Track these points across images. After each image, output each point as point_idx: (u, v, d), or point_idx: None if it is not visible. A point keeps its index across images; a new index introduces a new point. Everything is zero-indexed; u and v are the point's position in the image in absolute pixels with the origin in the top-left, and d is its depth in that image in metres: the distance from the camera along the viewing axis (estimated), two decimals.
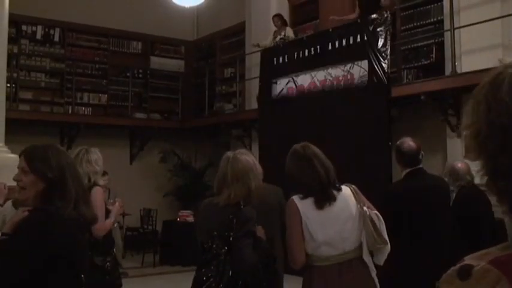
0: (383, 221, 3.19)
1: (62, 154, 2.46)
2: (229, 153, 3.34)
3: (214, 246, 3.12)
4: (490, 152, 0.86)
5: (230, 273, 3.07)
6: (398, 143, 4.30)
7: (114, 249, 4.26)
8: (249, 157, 3.32)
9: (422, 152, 4.21)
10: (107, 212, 4.14)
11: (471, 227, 4.82)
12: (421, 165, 4.19)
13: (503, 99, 0.85)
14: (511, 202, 0.87)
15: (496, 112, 0.85)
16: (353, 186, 3.31)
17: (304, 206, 3.12)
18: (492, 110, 0.86)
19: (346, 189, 3.22)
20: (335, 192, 3.17)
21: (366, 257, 3.16)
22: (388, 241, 3.17)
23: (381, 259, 3.23)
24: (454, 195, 5.09)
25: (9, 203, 3.34)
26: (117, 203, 4.35)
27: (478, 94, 0.90)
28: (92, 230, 3.56)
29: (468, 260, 0.85)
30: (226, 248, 3.11)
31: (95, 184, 3.96)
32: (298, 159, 3.22)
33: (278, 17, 9.91)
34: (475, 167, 5.55)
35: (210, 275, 3.08)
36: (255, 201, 3.25)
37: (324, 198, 3.13)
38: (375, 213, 3.19)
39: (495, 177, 0.87)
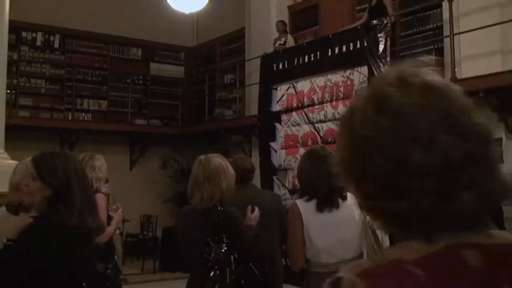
0: None
1: (70, 162, 2.48)
2: (202, 156, 3.36)
3: (212, 252, 3.12)
4: (355, 177, 0.93)
5: (231, 275, 3.08)
6: None
7: (115, 256, 4.26)
8: (221, 160, 3.34)
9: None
10: (109, 219, 4.16)
11: None
12: None
13: (358, 131, 0.91)
14: (381, 219, 0.93)
15: (356, 143, 0.91)
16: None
17: (306, 210, 3.12)
18: (352, 140, 0.92)
19: (351, 198, 3.21)
20: (340, 200, 3.16)
21: None
22: None
23: None
24: None
25: (3, 208, 3.35)
26: (119, 210, 4.36)
27: (340, 124, 0.97)
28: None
29: (341, 272, 0.88)
30: (223, 250, 3.11)
31: (97, 191, 3.96)
32: (314, 159, 3.22)
33: (282, 22, 9.96)
34: None
35: (218, 278, 3.08)
36: (229, 203, 3.27)
37: (326, 202, 3.12)
38: None
39: (363, 198, 0.93)
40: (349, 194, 3.22)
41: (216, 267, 3.09)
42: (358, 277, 0.84)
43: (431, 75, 0.93)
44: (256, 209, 3.60)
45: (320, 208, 3.11)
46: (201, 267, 3.14)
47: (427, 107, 0.88)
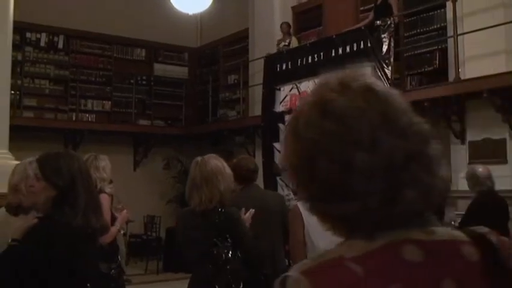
0: None
1: (75, 162, 2.48)
2: (198, 158, 3.36)
3: (221, 251, 3.12)
4: (302, 181, 0.95)
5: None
6: None
7: (119, 257, 4.27)
8: (218, 161, 3.33)
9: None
10: (113, 219, 4.16)
11: None
12: None
13: (303, 135, 0.93)
14: (329, 221, 0.96)
15: (301, 147, 0.93)
16: None
17: (307, 211, 3.12)
18: (298, 144, 0.94)
19: None
20: None
21: None
22: None
23: None
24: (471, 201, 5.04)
25: (2, 209, 3.36)
26: (124, 211, 4.37)
27: (286, 129, 0.99)
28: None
29: (290, 270, 0.90)
30: (229, 251, 3.11)
31: (101, 191, 3.97)
32: None
33: (286, 24, 9.96)
34: (496, 172, 5.56)
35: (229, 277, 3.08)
36: (229, 203, 3.27)
37: None
38: None
39: (312, 201, 0.96)
40: None
41: (227, 266, 3.09)
42: (302, 275, 0.87)
43: (371, 79, 0.96)
44: (251, 210, 3.60)
45: None
46: (206, 267, 3.13)
47: (368, 110, 0.90)
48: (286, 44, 9.72)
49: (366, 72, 0.97)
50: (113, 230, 4.18)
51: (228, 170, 3.35)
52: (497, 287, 0.91)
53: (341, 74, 0.97)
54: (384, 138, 0.89)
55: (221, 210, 3.19)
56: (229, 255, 3.11)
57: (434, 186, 0.92)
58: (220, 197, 3.21)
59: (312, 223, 3.11)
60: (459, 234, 0.97)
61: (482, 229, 0.99)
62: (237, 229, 3.22)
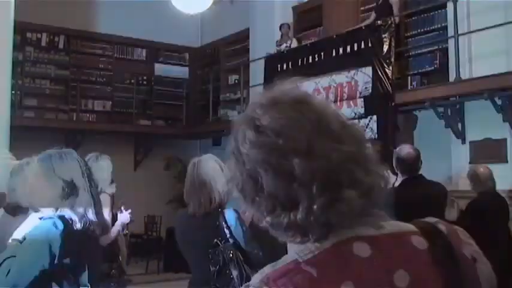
0: None
1: (76, 162, 2.48)
2: (195, 159, 3.34)
3: (223, 252, 3.11)
4: (250, 199, 0.97)
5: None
6: (397, 149, 4.28)
7: (120, 257, 4.27)
8: (215, 161, 3.31)
9: (422, 160, 4.16)
10: (113, 220, 4.16)
11: (482, 239, 4.78)
12: (420, 173, 4.15)
13: (244, 153, 0.96)
14: (281, 231, 0.97)
15: (244, 165, 0.96)
16: None
17: None
18: (240, 164, 0.97)
19: None
20: None
21: None
22: None
23: None
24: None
25: (1, 210, 3.36)
26: (127, 212, 4.37)
27: (230, 153, 1.02)
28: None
29: (252, 279, 0.94)
30: (231, 252, 3.11)
31: (101, 191, 3.97)
32: None
33: (287, 25, 9.97)
34: (497, 172, 5.56)
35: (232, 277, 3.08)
36: (228, 204, 3.25)
37: None
38: None
39: (262, 215, 0.98)
40: None
41: (229, 267, 3.09)
42: (261, 282, 0.91)
43: (302, 91, 1.00)
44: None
45: None
46: (207, 268, 3.12)
47: (300, 118, 0.94)
48: (288, 45, 9.72)
49: (298, 86, 0.99)
50: (114, 230, 4.18)
51: (226, 171, 3.34)
52: (448, 273, 0.94)
53: (271, 90, 1.01)
54: (318, 143, 0.92)
55: (220, 210, 3.19)
56: (231, 256, 3.10)
57: (374, 184, 0.95)
58: (219, 199, 3.19)
59: None
60: (408, 226, 1.00)
61: (431, 219, 1.03)
62: (237, 230, 3.21)
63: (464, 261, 0.96)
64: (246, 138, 0.96)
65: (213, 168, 3.23)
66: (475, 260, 0.98)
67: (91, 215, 2.41)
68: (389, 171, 3.98)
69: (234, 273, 3.09)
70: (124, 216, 4.36)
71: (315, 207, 0.91)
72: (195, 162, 3.29)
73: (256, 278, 0.93)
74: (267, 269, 0.94)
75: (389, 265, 0.92)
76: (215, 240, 3.13)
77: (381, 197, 0.98)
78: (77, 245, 2.36)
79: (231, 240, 3.15)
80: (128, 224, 4.46)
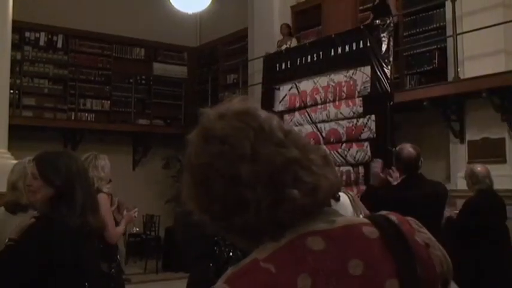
0: None
1: (73, 162, 2.48)
2: None
3: (224, 250, 3.11)
4: (203, 206, 1.04)
5: None
6: (397, 148, 4.28)
7: (118, 256, 4.27)
8: None
9: (422, 159, 4.16)
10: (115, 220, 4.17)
11: (480, 237, 4.77)
12: (419, 172, 4.15)
13: (195, 163, 1.04)
14: (235, 236, 1.05)
15: (195, 174, 1.04)
16: (350, 193, 3.30)
17: None
18: (192, 174, 1.04)
19: (344, 197, 3.20)
20: (332, 201, 3.14)
21: None
22: None
23: None
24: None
25: (2, 208, 3.37)
26: (132, 211, 4.37)
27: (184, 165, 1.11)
28: (105, 236, 3.63)
29: (218, 281, 0.98)
30: (231, 250, 3.11)
31: (99, 190, 3.96)
32: None
33: (286, 25, 9.96)
34: (495, 171, 5.57)
35: None
36: None
37: None
38: None
39: (216, 221, 1.04)
40: (342, 194, 3.21)
41: (228, 265, 3.09)
42: (224, 283, 0.95)
43: (241, 103, 1.08)
44: None
45: None
46: (207, 266, 3.12)
47: (245, 127, 1.01)
48: (288, 45, 9.71)
49: (243, 98, 1.06)
50: (119, 230, 4.19)
51: None
52: (400, 258, 0.98)
53: (218, 105, 1.10)
54: (262, 148, 0.99)
55: None
56: (231, 254, 3.10)
57: (319, 184, 1.00)
58: None
59: None
60: (360, 219, 1.08)
61: (383, 212, 1.08)
62: None
63: (416, 247, 1.00)
64: (196, 148, 1.05)
65: None
66: (428, 246, 1.02)
67: (87, 214, 2.41)
68: (393, 167, 3.96)
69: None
70: (129, 216, 4.37)
71: (262, 207, 0.97)
72: None
73: (220, 279, 0.97)
74: (231, 269, 0.98)
75: (343, 255, 0.96)
76: (215, 237, 3.13)
77: (328, 197, 1.05)
78: (74, 245, 2.35)
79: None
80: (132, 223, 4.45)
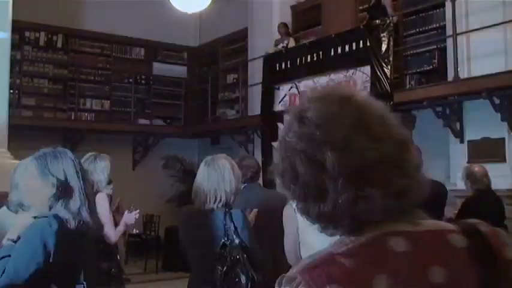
0: None
1: (70, 161, 2.48)
2: (208, 157, 3.35)
3: (230, 253, 3.10)
4: (287, 184, 1.02)
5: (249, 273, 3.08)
6: None
7: (118, 256, 4.27)
8: (227, 161, 3.32)
9: (421, 158, 4.15)
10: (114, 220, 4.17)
11: None
12: None
13: (287, 141, 1.03)
14: (311, 219, 1.02)
15: (285, 152, 1.02)
16: None
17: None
18: (283, 151, 1.03)
19: None
20: None
21: None
22: None
23: None
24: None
25: (4, 207, 3.37)
26: (133, 212, 4.37)
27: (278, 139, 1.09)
28: (104, 236, 3.63)
29: (290, 270, 0.97)
30: (238, 253, 3.10)
31: (99, 191, 3.96)
32: None
33: (283, 24, 9.97)
34: (495, 171, 5.57)
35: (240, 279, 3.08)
36: (232, 204, 3.26)
37: None
38: None
39: (296, 202, 1.03)
40: None
41: (236, 268, 3.08)
42: (297, 272, 0.94)
43: (350, 89, 1.06)
44: (254, 210, 3.59)
45: None
46: (214, 269, 3.11)
47: (342, 115, 0.98)
48: (285, 45, 9.72)
49: (348, 84, 1.03)
50: (118, 230, 4.19)
51: (237, 171, 3.34)
52: (485, 272, 0.94)
53: (322, 86, 1.08)
54: (355, 141, 0.96)
55: (227, 210, 3.18)
56: (238, 258, 3.10)
57: (408, 187, 0.97)
58: (226, 197, 3.19)
59: (306, 223, 3.10)
60: (447, 225, 1.03)
61: (472, 220, 1.04)
62: (243, 230, 3.20)
63: (504, 263, 0.96)
64: (291, 127, 1.02)
65: (224, 167, 3.24)
66: None
67: (85, 214, 2.41)
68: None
69: (241, 275, 3.08)
70: (129, 217, 4.35)
71: (340, 201, 0.95)
72: (207, 160, 3.30)
73: (292, 269, 0.96)
74: (305, 260, 0.96)
75: (425, 260, 0.93)
76: (222, 240, 3.12)
77: (416, 200, 1.00)
78: (72, 244, 2.36)
79: (236, 241, 3.14)
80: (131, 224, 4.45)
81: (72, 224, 2.36)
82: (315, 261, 0.94)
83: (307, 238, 3.12)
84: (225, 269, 3.09)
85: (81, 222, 2.39)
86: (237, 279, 3.09)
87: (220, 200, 3.19)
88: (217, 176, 3.21)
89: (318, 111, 0.99)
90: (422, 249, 0.94)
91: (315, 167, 0.96)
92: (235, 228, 3.15)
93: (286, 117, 1.07)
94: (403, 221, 0.97)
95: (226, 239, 3.13)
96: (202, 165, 3.30)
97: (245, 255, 3.14)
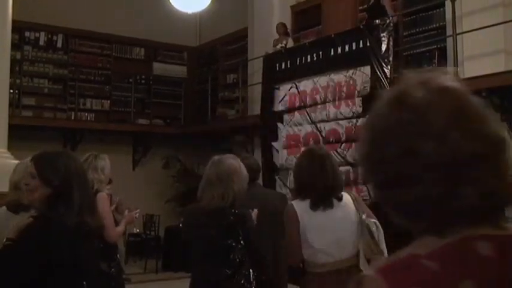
0: (381, 230, 3.18)
1: (72, 162, 2.49)
2: (215, 157, 3.35)
3: (237, 253, 3.10)
4: (371, 165, 1.00)
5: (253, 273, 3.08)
6: None
7: (118, 255, 4.27)
8: (234, 160, 3.32)
9: None
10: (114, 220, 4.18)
11: None
12: None
13: (377, 124, 0.99)
14: (391, 208, 0.98)
15: (374, 135, 0.99)
16: (353, 193, 3.31)
17: (302, 210, 3.13)
18: (371, 133, 1.00)
19: (346, 197, 3.22)
20: (335, 200, 3.16)
21: (363, 266, 3.16)
22: (384, 251, 3.16)
23: None
24: None
25: (4, 208, 3.38)
26: (133, 212, 4.38)
27: (367, 118, 1.06)
28: (105, 236, 3.64)
29: (366, 271, 0.94)
30: (244, 255, 3.10)
31: (98, 192, 3.96)
32: (311, 157, 3.22)
33: (282, 24, 9.97)
34: None
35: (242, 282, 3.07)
36: (239, 203, 3.26)
37: (320, 201, 3.12)
38: (373, 221, 3.18)
39: (378, 187, 1.00)
40: (345, 194, 3.22)
41: (242, 270, 3.08)
42: (377, 273, 0.90)
43: (451, 80, 0.99)
44: (254, 210, 3.60)
45: (314, 207, 3.11)
46: (220, 270, 3.10)
47: (442, 105, 0.93)
48: (283, 45, 9.72)
49: (448, 73, 0.99)
50: (119, 229, 4.19)
51: (244, 171, 3.34)
52: None
53: (425, 73, 1.02)
54: (453, 133, 0.91)
55: (234, 211, 3.18)
56: (244, 259, 3.10)
57: (499, 189, 0.92)
58: (233, 197, 3.19)
59: (307, 222, 3.11)
60: None
61: None
62: (249, 231, 3.20)
63: None
64: (385, 108, 0.99)
65: (231, 167, 3.24)
66: None
67: (84, 213, 2.41)
68: None
69: (247, 277, 3.08)
70: (130, 216, 4.37)
71: (431, 194, 0.91)
72: (214, 160, 3.30)
73: (371, 269, 0.93)
74: (384, 261, 0.94)
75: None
76: (229, 241, 3.12)
77: (506, 202, 0.95)
78: (71, 244, 2.36)
79: (243, 242, 3.14)
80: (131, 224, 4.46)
81: (72, 223, 2.36)
82: (397, 263, 0.91)
83: (308, 236, 3.12)
84: (231, 270, 3.08)
85: (82, 222, 2.39)
86: (242, 281, 3.09)
87: (228, 199, 3.18)
88: (224, 176, 3.21)
89: (418, 98, 0.95)
90: (510, 255, 0.90)
91: (407, 155, 0.92)
92: (242, 228, 3.15)
93: (381, 96, 1.02)
94: (490, 224, 0.93)
95: (232, 239, 3.13)
96: (210, 165, 3.30)
97: (251, 256, 3.14)
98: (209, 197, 3.20)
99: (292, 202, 3.22)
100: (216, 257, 3.12)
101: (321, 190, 3.13)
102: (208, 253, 3.19)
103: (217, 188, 3.18)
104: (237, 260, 3.10)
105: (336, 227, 3.12)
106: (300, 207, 3.14)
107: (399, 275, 0.88)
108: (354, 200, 3.24)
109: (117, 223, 4.26)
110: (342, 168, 7.60)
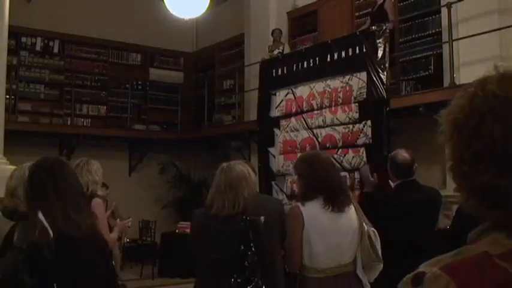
0: (379, 239, 3.19)
1: (66, 168, 2.50)
2: (224, 164, 3.34)
3: (250, 260, 3.09)
4: (461, 138, 0.96)
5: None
6: (392, 154, 4.28)
7: (113, 261, 4.26)
8: (243, 166, 3.31)
9: (416, 164, 4.16)
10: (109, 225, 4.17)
11: None
12: (414, 177, 4.14)
13: (479, 93, 0.96)
14: (467, 189, 0.95)
15: (473, 104, 0.96)
16: (353, 200, 3.33)
17: (307, 212, 3.13)
18: (469, 101, 0.97)
19: (353, 205, 3.24)
20: (345, 204, 3.17)
21: (359, 272, 3.16)
22: (381, 259, 3.17)
23: (372, 276, 3.24)
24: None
25: None
26: (126, 221, 4.37)
27: (467, 88, 1.03)
28: None
29: (422, 267, 0.88)
30: (256, 264, 3.09)
31: (93, 194, 3.96)
32: (320, 159, 3.24)
33: (279, 30, 10.00)
34: None
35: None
36: (249, 210, 3.24)
37: (334, 199, 3.12)
38: (372, 229, 3.19)
39: (461, 163, 0.97)
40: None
41: (254, 278, 3.06)
42: (443, 271, 0.85)
43: None
44: (262, 218, 3.58)
45: (326, 206, 3.11)
46: (232, 279, 3.08)
47: None
48: (280, 50, 9.74)
49: None
50: (113, 236, 4.18)
51: (253, 176, 3.33)
52: None
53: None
54: None
55: (246, 217, 3.16)
56: (255, 267, 3.08)
57: None
58: (244, 203, 3.18)
59: (312, 225, 3.11)
60: None
61: None
62: (262, 237, 3.18)
63: None
64: (487, 84, 0.96)
65: (241, 173, 3.23)
66: None
67: (81, 220, 2.41)
68: (374, 174, 3.98)
69: (258, 285, 3.07)
70: (122, 225, 4.37)
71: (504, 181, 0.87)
72: (223, 167, 3.29)
73: (433, 266, 0.88)
74: (448, 258, 0.89)
75: None
76: (242, 247, 3.10)
77: None
78: (69, 251, 2.35)
79: (254, 249, 3.13)
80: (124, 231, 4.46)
81: (68, 231, 2.35)
82: (467, 261, 0.86)
83: (312, 238, 3.12)
84: (242, 278, 3.06)
85: (78, 229, 2.38)
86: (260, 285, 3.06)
87: (239, 206, 3.17)
88: (235, 182, 3.19)
89: (499, 87, 0.94)
90: None
91: (510, 135, 0.89)
92: (254, 235, 3.13)
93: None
94: None
95: (244, 246, 3.10)
96: (219, 172, 3.28)
97: (261, 263, 3.12)
98: (220, 205, 3.17)
99: (298, 204, 3.22)
100: (227, 264, 3.09)
101: (334, 189, 3.14)
102: (217, 260, 3.16)
103: (228, 195, 3.16)
104: (249, 267, 3.08)
105: (339, 231, 3.13)
106: (306, 210, 3.15)
107: (468, 274, 0.84)
108: (356, 207, 3.25)
109: (111, 229, 4.25)
110: None
